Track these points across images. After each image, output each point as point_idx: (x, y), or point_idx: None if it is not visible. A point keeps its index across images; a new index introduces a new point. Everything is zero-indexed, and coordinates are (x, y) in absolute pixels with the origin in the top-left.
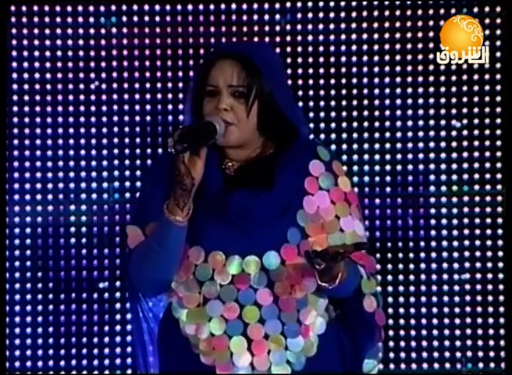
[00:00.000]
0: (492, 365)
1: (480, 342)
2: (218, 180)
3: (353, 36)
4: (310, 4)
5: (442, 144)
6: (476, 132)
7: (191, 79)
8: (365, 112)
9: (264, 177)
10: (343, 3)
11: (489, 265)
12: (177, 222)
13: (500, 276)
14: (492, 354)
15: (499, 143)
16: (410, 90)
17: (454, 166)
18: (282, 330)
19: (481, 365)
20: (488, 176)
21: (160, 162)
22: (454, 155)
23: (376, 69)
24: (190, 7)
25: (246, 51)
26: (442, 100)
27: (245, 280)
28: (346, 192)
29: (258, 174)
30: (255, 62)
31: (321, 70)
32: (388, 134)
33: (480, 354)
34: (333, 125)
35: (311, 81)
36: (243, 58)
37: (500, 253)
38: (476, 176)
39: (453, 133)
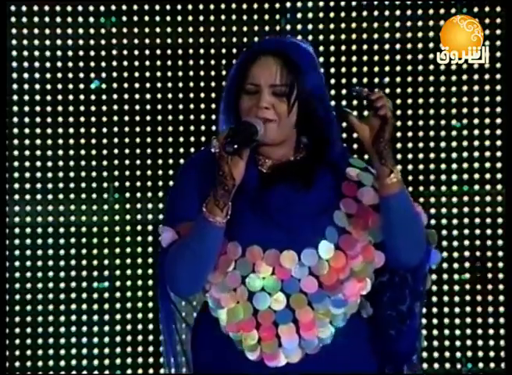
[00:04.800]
0: (492, 365)
1: (480, 342)
2: (253, 176)
3: (353, 36)
4: (310, 4)
5: (442, 144)
6: (476, 132)
7: (228, 77)
8: (365, 112)
9: (303, 176)
10: (343, 3)
11: (489, 265)
12: (217, 222)
13: (500, 276)
14: (492, 354)
15: (499, 143)
16: (410, 90)
17: (454, 165)
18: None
19: (481, 365)
20: (488, 176)
21: (193, 161)
22: (454, 155)
23: (376, 69)
24: (190, 7)
25: (286, 48)
26: (442, 100)
27: (285, 272)
28: None
29: (297, 172)
30: (296, 59)
31: (321, 70)
32: None
33: (480, 354)
34: None
35: None
36: (285, 56)
37: (500, 253)
38: (476, 176)
39: (453, 133)
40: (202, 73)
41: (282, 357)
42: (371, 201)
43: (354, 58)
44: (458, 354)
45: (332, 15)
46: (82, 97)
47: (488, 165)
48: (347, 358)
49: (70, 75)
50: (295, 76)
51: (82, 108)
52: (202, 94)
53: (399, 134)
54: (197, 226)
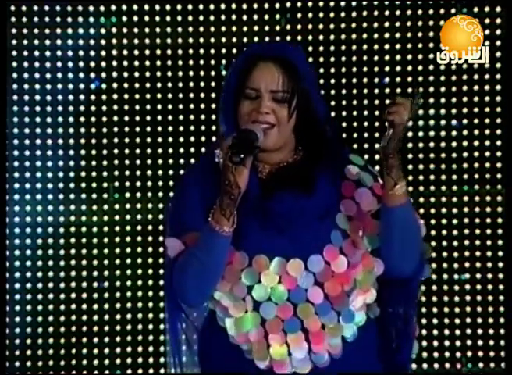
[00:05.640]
0: (492, 365)
1: (480, 342)
2: (254, 183)
3: (353, 35)
4: (310, 4)
5: (442, 144)
6: (476, 132)
7: (226, 79)
8: (365, 112)
9: (303, 181)
10: (343, 3)
11: (489, 265)
12: (224, 232)
13: (500, 275)
14: (492, 354)
15: (499, 143)
16: (410, 90)
17: (454, 165)
18: (338, 319)
19: (481, 365)
20: (488, 176)
21: (193, 170)
22: (454, 155)
23: (376, 68)
24: (190, 7)
25: (286, 54)
26: (442, 100)
27: (292, 281)
28: None
29: (297, 178)
30: (296, 65)
31: (321, 70)
32: None
33: (480, 354)
34: None
35: None
36: (284, 62)
37: (500, 253)
38: (476, 176)
39: (453, 133)
40: (202, 73)
41: (291, 365)
42: (369, 207)
43: (354, 58)
44: (458, 354)
45: (332, 15)
46: (82, 97)
47: (488, 165)
48: (357, 369)
49: (70, 75)
50: (295, 82)
51: (82, 108)
52: (202, 94)
53: None
54: (203, 236)
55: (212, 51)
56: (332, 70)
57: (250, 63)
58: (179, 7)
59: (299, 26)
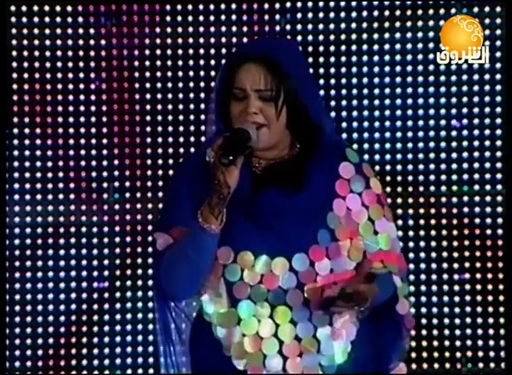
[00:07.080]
0: (492, 365)
1: (480, 342)
2: (246, 178)
3: (353, 36)
4: (310, 4)
5: (442, 144)
6: (476, 132)
7: (216, 80)
8: (365, 112)
9: (294, 178)
10: (343, 3)
11: (489, 265)
12: (212, 230)
13: (500, 275)
14: (492, 354)
15: (499, 143)
16: (410, 90)
17: (454, 165)
18: (315, 334)
19: (481, 365)
20: (488, 176)
21: (184, 167)
22: (454, 155)
23: (376, 69)
24: (189, 7)
25: (271, 52)
26: (442, 100)
27: (273, 280)
28: (379, 194)
29: (289, 174)
30: (281, 63)
31: (321, 70)
32: (388, 134)
33: (480, 354)
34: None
35: None
36: (269, 60)
37: (500, 253)
38: (476, 176)
39: (453, 133)
40: (202, 73)
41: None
42: (357, 218)
43: (354, 59)
44: (458, 354)
45: (332, 15)
46: (82, 97)
47: (488, 165)
48: None
49: (70, 75)
50: (279, 79)
51: (82, 108)
52: (202, 95)
53: (399, 135)
54: (192, 233)
55: (212, 51)
56: (332, 71)
57: (236, 64)
58: (179, 7)
59: (299, 27)
